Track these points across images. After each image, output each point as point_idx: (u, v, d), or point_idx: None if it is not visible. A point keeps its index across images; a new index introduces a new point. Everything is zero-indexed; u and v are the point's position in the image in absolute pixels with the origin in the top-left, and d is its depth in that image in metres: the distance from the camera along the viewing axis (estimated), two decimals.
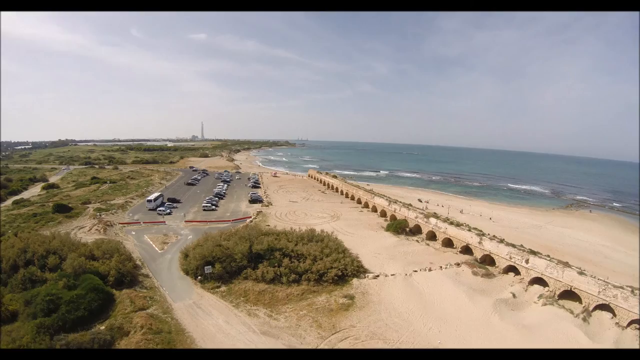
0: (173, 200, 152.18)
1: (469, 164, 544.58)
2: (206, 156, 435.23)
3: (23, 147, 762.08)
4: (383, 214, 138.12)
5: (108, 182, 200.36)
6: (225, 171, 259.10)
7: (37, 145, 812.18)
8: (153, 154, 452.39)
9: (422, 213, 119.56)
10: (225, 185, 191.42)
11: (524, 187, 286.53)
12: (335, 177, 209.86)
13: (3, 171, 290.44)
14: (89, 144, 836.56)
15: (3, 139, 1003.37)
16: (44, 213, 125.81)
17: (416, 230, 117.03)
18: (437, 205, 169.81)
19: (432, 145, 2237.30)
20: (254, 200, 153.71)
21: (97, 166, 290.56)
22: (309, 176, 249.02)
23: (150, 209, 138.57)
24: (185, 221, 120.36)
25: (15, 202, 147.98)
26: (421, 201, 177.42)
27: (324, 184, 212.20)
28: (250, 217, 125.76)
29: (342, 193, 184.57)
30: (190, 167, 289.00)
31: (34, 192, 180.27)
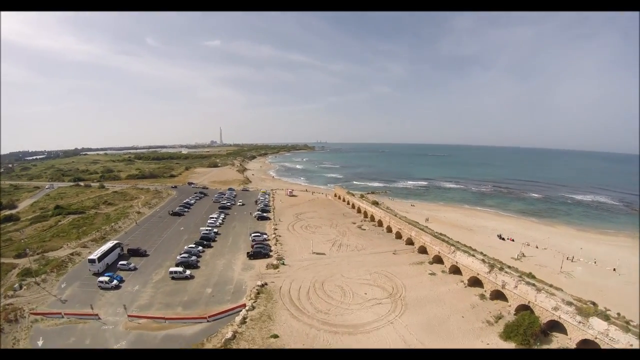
0: (135, 253, 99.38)
1: (502, 167, 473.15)
2: (215, 166, 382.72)
3: (35, 157, 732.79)
4: (475, 281, 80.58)
5: (75, 212, 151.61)
6: (229, 190, 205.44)
7: (51, 155, 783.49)
8: (159, 165, 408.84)
9: (570, 304, 61.33)
10: (222, 216, 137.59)
11: (587, 198, 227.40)
12: (376, 203, 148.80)
13: None
14: (100, 152, 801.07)
15: (19, 149, 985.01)
16: None
17: (554, 326, 61.38)
18: (527, 244, 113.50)
19: (451, 144, 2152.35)
20: (257, 252, 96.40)
21: (82, 184, 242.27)
22: (335, 196, 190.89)
23: (94, 273, 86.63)
24: (129, 315, 66.24)
25: None
26: (504, 239, 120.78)
27: (358, 210, 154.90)
28: (244, 304, 69.84)
29: (388, 229, 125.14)
30: (189, 184, 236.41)
31: None
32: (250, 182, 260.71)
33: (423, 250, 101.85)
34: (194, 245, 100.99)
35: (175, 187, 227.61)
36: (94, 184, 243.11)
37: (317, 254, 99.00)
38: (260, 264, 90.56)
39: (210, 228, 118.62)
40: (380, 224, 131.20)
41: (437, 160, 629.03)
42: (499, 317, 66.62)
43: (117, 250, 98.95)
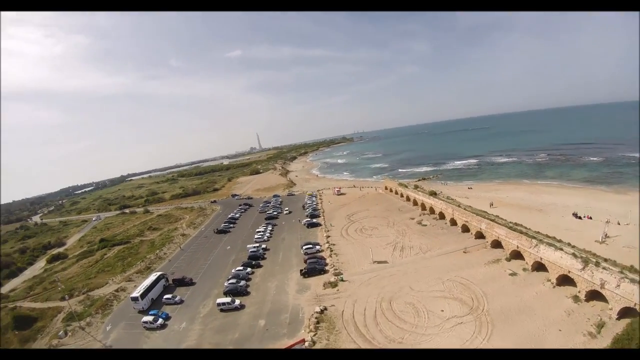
0: (181, 282, 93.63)
1: (547, 132, 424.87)
2: (257, 172, 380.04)
3: (84, 190, 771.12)
4: (564, 279, 65.66)
5: (120, 243, 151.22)
6: (274, 197, 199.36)
7: (99, 185, 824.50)
8: (202, 180, 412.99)
9: None
10: (270, 228, 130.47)
11: None
12: (434, 194, 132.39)
13: (34, 231, 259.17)
14: (145, 176, 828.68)
15: (68, 184, 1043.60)
16: (3, 328, 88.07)
17: None
18: (607, 221, 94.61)
19: (487, 115, 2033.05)
20: (311, 269, 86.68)
21: (128, 211, 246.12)
22: (385, 189, 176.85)
23: (139, 311, 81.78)
24: None
25: None
26: (580, 217, 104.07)
27: (414, 203, 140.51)
28: (303, 339, 59.78)
29: (452, 222, 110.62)
30: (233, 196, 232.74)
31: (37, 267, 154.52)
32: (295, 184, 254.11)
33: (497, 244, 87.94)
34: (241, 268, 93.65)
35: (215, 201, 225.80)
36: (139, 209, 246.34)
37: (378, 262, 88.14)
38: (316, 282, 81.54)
39: (257, 245, 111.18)
40: (442, 216, 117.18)
41: (479, 134, 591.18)
42: (600, 326, 53.33)
43: (162, 282, 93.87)
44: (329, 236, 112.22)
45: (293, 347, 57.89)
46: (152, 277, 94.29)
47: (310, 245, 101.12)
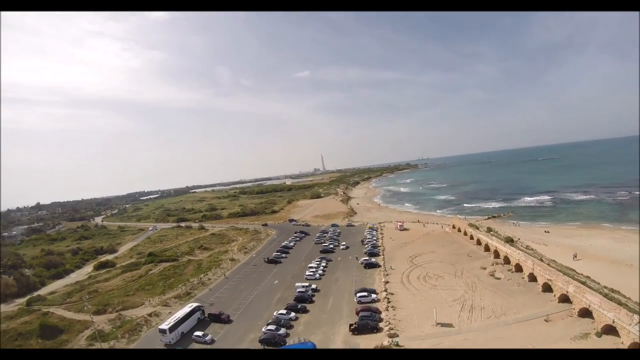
0: (216, 318, 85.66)
1: (628, 164, 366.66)
2: (318, 196, 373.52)
3: (149, 197, 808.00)
4: None
5: (167, 260, 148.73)
6: (332, 226, 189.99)
7: (164, 194, 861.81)
8: (262, 199, 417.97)
9: None
10: (323, 264, 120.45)
11: None
12: (510, 241, 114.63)
13: (92, 233, 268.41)
14: (208, 189, 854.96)
15: (136, 189, 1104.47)
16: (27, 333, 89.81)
17: None
18: None
19: (558, 144, 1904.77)
20: (363, 325, 73.81)
21: (184, 225, 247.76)
22: (453, 227, 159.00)
23: (166, 345, 75.27)
24: None
25: (31, 300, 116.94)
26: None
27: (486, 249, 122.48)
28: None
29: (531, 277, 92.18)
30: (290, 221, 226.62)
31: (84, 272, 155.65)
32: (355, 213, 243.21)
33: (586, 312, 70.28)
34: (284, 312, 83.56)
35: (266, 224, 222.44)
36: (195, 224, 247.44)
37: (442, 325, 74.02)
38: (366, 342, 69.18)
39: (307, 284, 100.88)
40: (518, 268, 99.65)
41: (549, 165, 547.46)
42: None
43: (197, 315, 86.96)
44: (387, 282, 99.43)
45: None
46: (187, 308, 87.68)
47: (365, 294, 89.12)
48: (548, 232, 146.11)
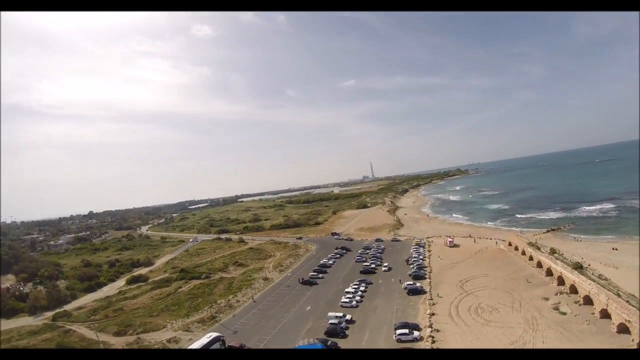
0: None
1: None
2: (365, 206, 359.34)
3: (198, 205, 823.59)
4: None
5: (199, 277, 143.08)
6: (376, 241, 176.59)
7: (212, 203, 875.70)
8: (308, 209, 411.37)
9: None
10: (362, 288, 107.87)
11: None
12: (579, 267, 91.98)
13: (135, 243, 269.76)
14: (256, 198, 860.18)
15: (187, 198, 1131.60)
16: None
17: None
18: None
19: (613, 143, 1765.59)
20: None
21: (224, 237, 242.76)
22: (509, 245, 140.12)
23: None
24: None
25: (57, 315, 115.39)
26: None
27: (548, 273, 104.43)
28: None
29: (603, 313, 75.31)
30: (333, 234, 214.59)
31: (116, 286, 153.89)
32: (402, 225, 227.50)
33: None
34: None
35: (300, 238, 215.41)
36: (235, 236, 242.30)
37: None
38: None
39: (341, 315, 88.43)
40: (587, 300, 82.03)
41: (608, 167, 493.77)
42: None
43: (217, 346, 76.84)
44: (433, 314, 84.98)
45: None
46: (207, 338, 78.50)
47: (407, 331, 75.60)
48: (616, 249, 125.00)
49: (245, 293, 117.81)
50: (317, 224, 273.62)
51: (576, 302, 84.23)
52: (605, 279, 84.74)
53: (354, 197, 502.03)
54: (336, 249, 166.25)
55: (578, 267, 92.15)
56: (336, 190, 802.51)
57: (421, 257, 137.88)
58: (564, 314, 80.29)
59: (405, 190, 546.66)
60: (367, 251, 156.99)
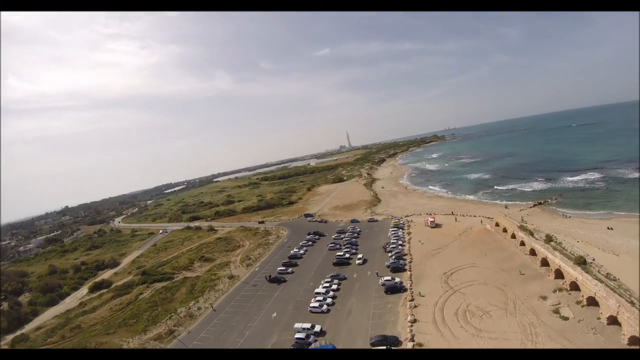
0: None
1: None
2: (341, 180, 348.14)
3: (174, 189, 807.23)
4: None
5: (161, 279, 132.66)
6: (352, 222, 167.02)
7: (189, 185, 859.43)
8: (283, 185, 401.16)
9: None
10: (334, 286, 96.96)
11: None
12: (582, 262, 77.74)
13: (105, 239, 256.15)
14: (232, 177, 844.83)
15: (164, 182, 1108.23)
16: None
17: None
18: None
19: (590, 107, 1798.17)
20: None
21: (194, 226, 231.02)
22: (496, 225, 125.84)
23: None
24: None
25: (15, 340, 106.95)
26: None
27: (543, 263, 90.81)
28: None
29: (611, 320, 63.58)
30: (306, 215, 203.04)
31: (79, 295, 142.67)
32: (380, 201, 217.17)
33: None
34: None
35: (263, 222, 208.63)
36: (206, 223, 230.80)
37: None
38: None
39: (308, 327, 77.01)
40: (592, 301, 69.84)
41: (587, 131, 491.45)
42: None
43: None
44: (415, 320, 74.30)
45: None
46: None
47: (384, 347, 65.86)
48: (611, 228, 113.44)
49: (207, 297, 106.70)
50: (291, 203, 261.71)
51: (578, 303, 72.39)
52: (614, 279, 72.37)
53: (330, 169, 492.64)
54: (308, 234, 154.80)
55: (581, 263, 78.11)
56: (312, 162, 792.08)
57: (400, 242, 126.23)
58: (566, 319, 68.69)
59: (382, 160, 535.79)
60: (342, 235, 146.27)
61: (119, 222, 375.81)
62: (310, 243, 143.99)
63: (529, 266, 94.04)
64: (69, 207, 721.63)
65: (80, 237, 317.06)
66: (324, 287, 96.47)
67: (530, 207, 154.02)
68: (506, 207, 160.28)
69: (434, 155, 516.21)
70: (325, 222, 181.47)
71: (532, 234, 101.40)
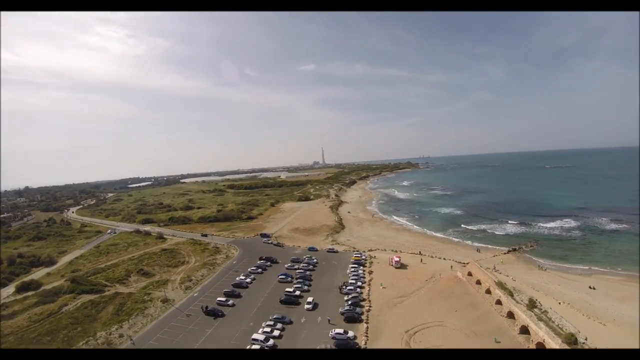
0: None
1: None
2: (307, 199, 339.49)
3: (139, 184, 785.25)
4: None
5: (91, 291, 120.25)
6: (309, 250, 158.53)
7: (156, 182, 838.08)
8: (248, 196, 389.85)
9: None
10: (276, 332, 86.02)
11: None
12: (573, 340, 67.75)
13: (51, 231, 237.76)
14: (199, 180, 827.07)
15: (131, 175, 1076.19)
16: None
17: None
18: None
19: (565, 149, 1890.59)
20: None
21: (143, 230, 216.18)
22: (469, 275, 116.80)
23: None
24: None
25: None
26: None
27: (522, 330, 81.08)
28: None
29: None
30: (262, 236, 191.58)
31: (5, 294, 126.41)
32: (344, 227, 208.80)
33: None
34: None
35: (206, 235, 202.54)
36: (158, 229, 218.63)
37: None
38: None
39: None
40: None
41: (561, 174, 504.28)
42: None
43: None
44: None
45: None
46: None
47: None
48: (594, 288, 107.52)
49: (134, 323, 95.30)
50: (251, 218, 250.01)
51: None
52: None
53: (299, 185, 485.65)
54: (260, 259, 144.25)
55: (572, 342, 67.81)
56: (283, 175, 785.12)
57: (359, 282, 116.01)
58: None
59: (353, 182, 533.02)
60: (296, 266, 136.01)
61: (73, 213, 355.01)
62: (259, 270, 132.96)
63: (505, 332, 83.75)
64: (30, 187, 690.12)
65: (29, 223, 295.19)
66: (263, 332, 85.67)
67: (505, 254, 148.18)
68: (478, 250, 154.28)
69: (406, 183, 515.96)
70: (282, 245, 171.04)
71: (511, 295, 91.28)
